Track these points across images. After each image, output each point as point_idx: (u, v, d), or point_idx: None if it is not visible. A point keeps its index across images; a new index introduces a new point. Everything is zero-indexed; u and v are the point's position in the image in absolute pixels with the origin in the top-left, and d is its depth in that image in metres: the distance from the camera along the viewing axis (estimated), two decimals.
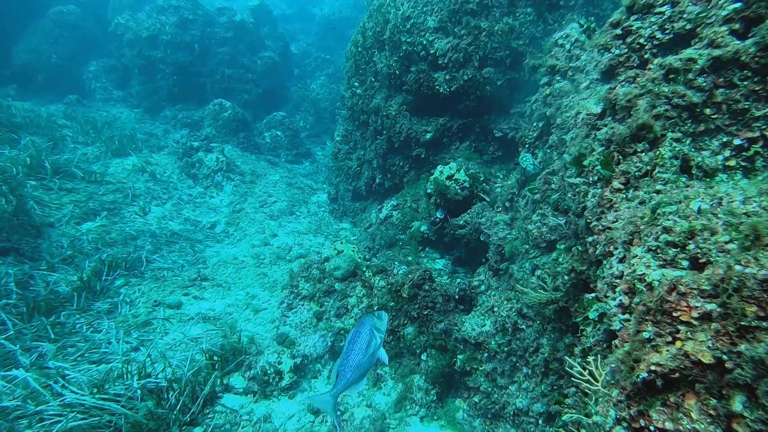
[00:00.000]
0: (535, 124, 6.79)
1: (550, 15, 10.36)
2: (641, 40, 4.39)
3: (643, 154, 3.42)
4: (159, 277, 10.16)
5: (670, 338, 2.23)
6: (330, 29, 26.44)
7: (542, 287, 4.93)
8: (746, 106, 3.44)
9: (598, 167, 3.57)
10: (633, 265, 2.86)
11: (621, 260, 3.07)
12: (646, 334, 2.28)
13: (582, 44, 6.10)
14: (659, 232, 2.66)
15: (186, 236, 12.12)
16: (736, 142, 3.50)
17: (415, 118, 11.40)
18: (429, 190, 9.29)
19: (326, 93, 22.11)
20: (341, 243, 10.32)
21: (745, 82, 3.43)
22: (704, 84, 3.45)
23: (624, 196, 3.41)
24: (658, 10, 4.34)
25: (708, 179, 3.49)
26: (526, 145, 7.09)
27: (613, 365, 2.48)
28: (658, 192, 3.22)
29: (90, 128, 15.67)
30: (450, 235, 9.26)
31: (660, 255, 2.62)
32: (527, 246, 5.98)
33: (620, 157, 3.54)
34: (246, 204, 14.11)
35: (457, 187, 9.05)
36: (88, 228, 10.99)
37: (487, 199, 8.89)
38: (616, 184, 3.46)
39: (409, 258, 10.77)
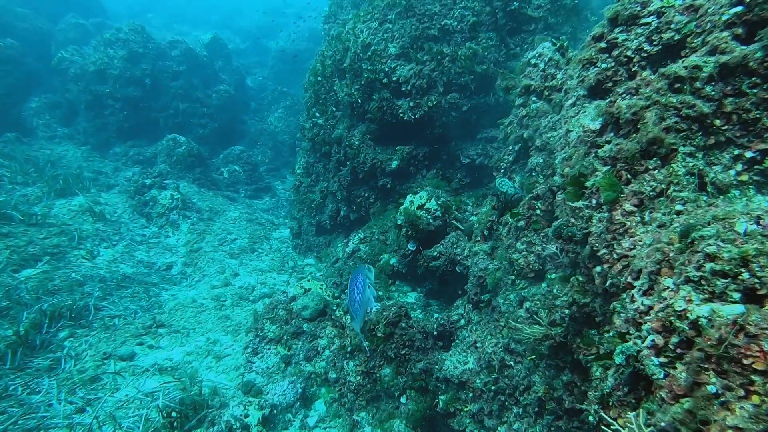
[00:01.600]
0: (511, 148, 6.47)
1: (512, 40, 10.29)
2: (628, 53, 4.11)
3: (656, 171, 3.06)
4: (109, 326, 9.27)
5: (742, 392, 1.80)
6: (286, 62, 26.17)
7: (536, 322, 4.49)
8: (757, 116, 3.14)
9: (604, 188, 3.19)
10: (665, 299, 2.44)
11: (646, 293, 2.65)
12: (711, 388, 1.85)
13: (557, 63, 5.86)
14: (701, 260, 2.26)
15: (140, 279, 11.24)
16: (748, 154, 3.19)
17: (379, 147, 11.03)
18: (399, 222, 8.83)
19: (284, 126, 21.63)
20: (308, 281, 9.73)
21: (755, 90, 3.13)
22: (713, 93, 3.14)
23: (639, 219, 3.03)
24: (643, 21, 4.08)
25: (722, 196, 3.15)
26: (502, 170, 6.75)
27: (664, 424, 2.02)
28: (678, 213, 2.85)
29: (31, 167, 14.66)
30: (423, 268, 8.79)
31: (705, 287, 2.22)
32: (512, 276, 5.56)
33: (629, 176, 3.18)
34: (204, 243, 13.33)
35: (428, 217, 8.64)
36: (28, 275, 10.01)
37: (462, 228, 8.49)
38: (627, 206, 3.08)
39: (380, 292, 10.22)
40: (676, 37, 3.91)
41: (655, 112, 3.13)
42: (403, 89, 10.15)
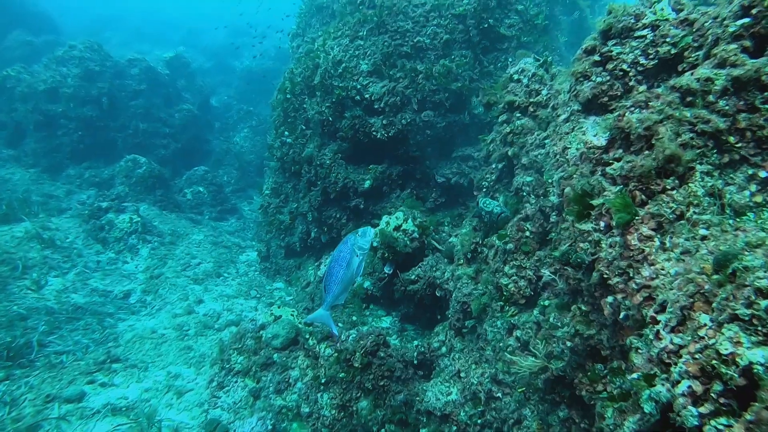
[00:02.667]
0: (494, 166, 6.21)
1: (485, 58, 10.16)
2: (624, 66, 3.90)
3: (675, 192, 2.80)
4: (55, 364, 8.51)
5: None
6: (251, 81, 25.72)
7: (531, 353, 4.16)
8: None
9: (617, 210, 2.91)
10: (703, 338, 2.14)
11: (675, 330, 2.35)
12: None
13: (541, 78, 5.65)
14: (751, 296, 1.97)
15: (93, 310, 10.49)
16: (762, 174, 2.96)
17: (351, 166, 10.68)
18: (375, 244, 8.46)
19: (250, 145, 21.12)
20: (278, 307, 9.23)
21: (767, 106, 2.92)
22: (727, 107, 2.92)
23: (659, 244, 2.75)
24: (638, 34, 3.89)
25: (739, 219, 2.91)
26: (484, 189, 6.48)
27: None
28: (704, 238, 2.58)
29: None
30: (400, 292, 8.42)
31: (758, 328, 1.92)
32: (500, 303, 5.25)
33: (644, 196, 2.91)
34: (166, 268, 12.64)
35: (406, 239, 8.31)
36: None
37: (441, 248, 8.18)
38: (645, 230, 2.80)
39: (354, 317, 9.81)
40: (673, 51, 3.72)
41: (669, 127, 2.89)
42: (375, 107, 9.88)
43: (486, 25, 9.96)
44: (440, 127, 9.78)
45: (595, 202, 3.18)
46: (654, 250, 2.72)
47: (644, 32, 3.86)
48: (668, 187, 2.84)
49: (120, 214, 13.64)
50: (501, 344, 5.42)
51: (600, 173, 3.27)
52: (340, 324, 9.66)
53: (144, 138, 18.62)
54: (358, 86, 9.89)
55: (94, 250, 12.79)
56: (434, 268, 7.80)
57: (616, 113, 3.29)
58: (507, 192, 6.00)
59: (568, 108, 4.18)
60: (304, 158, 11.18)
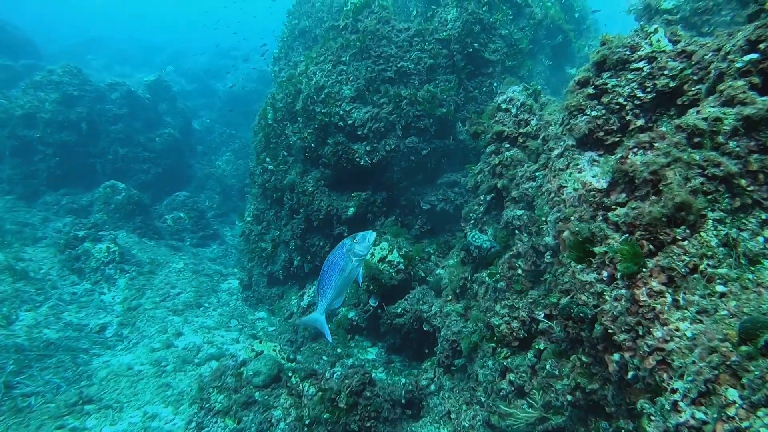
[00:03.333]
0: (482, 198, 5.97)
1: (470, 83, 10.03)
2: (620, 100, 3.69)
3: (686, 242, 2.56)
4: (22, 408, 8.01)
5: None
6: (234, 104, 25.47)
7: (530, 404, 3.86)
8: None
9: (624, 259, 2.66)
10: (733, 418, 1.87)
11: (696, 402, 2.08)
12: None
13: (530, 108, 5.45)
14: None
15: (66, 346, 9.99)
16: None
17: (334, 193, 10.40)
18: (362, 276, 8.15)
19: (233, 169, 20.77)
20: (260, 342, 8.85)
21: None
22: (738, 149, 2.70)
23: (671, 301, 2.50)
24: (634, 66, 3.69)
25: (754, 268, 2.66)
26: (471, 221, 6.23)
27: None
28: (723, 296, 2.34)
29: None
30: (386, 325, 8.09)
31: None
32: (492, 344, 4.95)
33: (652, 246, 2.67)
34: (144, 299, 12.17)
35: (391, 271, 8.01)
36: None
37: (430, 279, 7.89)
38: (654, 284, 2.55)
39: (338, 350, 9.45)
40: (672, 84, 3.53)
41: (678, 171, 2.66)
42: (359, 133, 9.66)
43: (470, 50, 9.83)
44: (425, 154, 9.57)
45: (597, 249, 2.93)
46: (666, 308, 2.47)
47: (640, 64, 3.66)
48: (679, 237, 2.60)
49: (97, 243, 13.18)
50: (493, 386, 5.12)
51: (601, 218, 3.03)
52: (324, 357, 9.30)
53: (124, 163, 18.20)
54: (341, 112, 9.66)
55: (69, 281, 12.30)
56: (421, 302, 7.50)
57: (619, 155, 3.06)
58: (496, 225, 5.76)
59: (562, 142, 3.96)
60: (286, 185, 10.88)
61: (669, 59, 3.60)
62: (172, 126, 20.62)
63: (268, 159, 11.38)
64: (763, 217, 2.76)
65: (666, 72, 3.57)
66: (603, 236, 2.95)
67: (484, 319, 5.21)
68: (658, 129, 2.98)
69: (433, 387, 6.89)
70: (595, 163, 3.60)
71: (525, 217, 4.99)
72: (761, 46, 2.87)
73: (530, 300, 4.42)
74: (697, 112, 2.88)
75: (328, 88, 9.82)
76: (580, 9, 14.54)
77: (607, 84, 3.75)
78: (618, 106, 3.69)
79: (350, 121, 9.62)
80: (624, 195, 2.94)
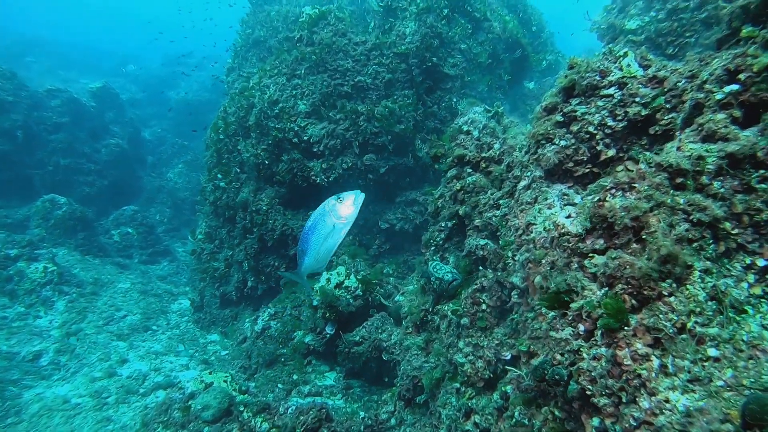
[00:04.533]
0: (443, 224, 5.68)
1: (429, 98, 9.80)
2: (590, 129, 3.46)
3: (673, 298, 2.31)
4: None
5: None
6: (187, 113, 24.60)
7: None
8: None
9: (607, 314, 2.39)
10: None
11: None
12: None
13: (492, 131, 5.21)
14: None
15: None
16: (761, 263, 2.53)
17: (290, 212, 9.98)
18: (315, 303, 7.75)
19: (185, 182, 19.97)
20: (210, 372, 8.32)
21: (764, 185, 2.51)
22: (723, 190, 2.47)
23: (659, 367, 2.23)
24: (604, 92, 3.46)
25: (740, 317, 2.44)
26: (432, 247, 5.93)
27: None
28: (716, 361, 2.09)
29: None
30: (344, 354, 7.70)
31: None
32: (456, 384, 4.65)
33: (635, 301, 2.41)
34: (85, 323, 11.38)
35: (348, 297, 7.64)
36: None
37: (389, 305, 7.55)
38: (639, 346, 2.29)
39: (294, 377, 9.01)
40: (644, 112, 3.32)
41: (662, 218, 2.42)
42: (315, 150, 9.28)
43: (429, 64, 9.61)
44: (383, 172, 9.26)
45: (574, 305, 2.66)
46: (654, 375, 2.21)
47: (611, 91, 3.45)
48: (665, 292, 2.36)
49: (33, 263, 12.31)
50: (457, 426, 4.80)
51: (577, 265, 2.77)
52: (279, 385, 8.85)
53: (66, 175, 17.17)
54: (296, 128, 9.26)
55: None
56: (380, 330, 7.15)
57: (596, 197, 2.81)
58: (458, 253, 5.48)
59: (529, 172, 3.70)
60: (238, 203, 10.37)
61: (640, 85, 3.39)
62: (119, 136, 19.67)
63: (219, 176, 10.84)
64: (748, 261, 2.56)
65: (637, 99, 3.36)
66: (581, 287, 2.69)
67: (446, 355, 4.91)
68: (638, 168, 2.74)
69: (393, 421, 6.53)
70: (565, 197, 3.35)
71: (489, 246, 4.73)
72: (741, 76, 2.67)
73: (496, 341, 4.14)
74: (678, 148, 2.66)
75: (283, 102, 9.41)
76: (537, 23, 14.61)
77: (576, 111, 3.52)
78: (588, 135, 3.47)
79: (306, 138, 9.23)
80: (602, 241, 2.69)
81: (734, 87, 2.66)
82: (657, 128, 3.27)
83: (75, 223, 14.74)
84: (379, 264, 9.81)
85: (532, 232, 3.26)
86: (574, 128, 3.49)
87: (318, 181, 9.33)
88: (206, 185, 11.55)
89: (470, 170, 5.29)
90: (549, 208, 3.27)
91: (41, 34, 35.51)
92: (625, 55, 3.52)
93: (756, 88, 2.60)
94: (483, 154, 5.18)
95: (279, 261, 10.39)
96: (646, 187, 2.56)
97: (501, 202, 4.59)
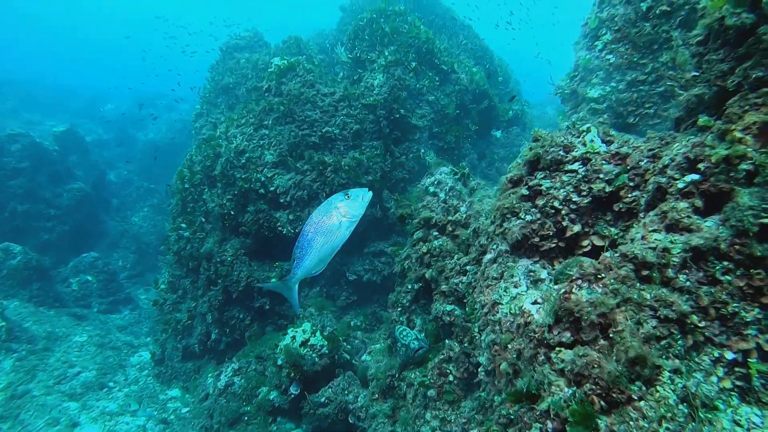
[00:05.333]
0: (410, 286, 5.54)
1: (397, 148, 9.81)
2: (555, 204, 3.42)
3: (643, 403, 2.19)
4: None
5: None
6: (155, 155, 24.24)
7: None
8: (735, 309, 2.45)
9: (575, 421, 2.26)
10: None
11: None
12: None
13: (459, 194, 5.16)
14: None
15: None
16: (729, 356, 2.47)
17: (256, 263, 9.73)
18: (279, 362, 7.46)
19: (150, 226, 19.53)
20: None
21: (728, 277, 2.46)
22: (689, 283, 2.42)
23: None
24: (569, 168, 3.44)
25: (712, 414, 2.35)
26: (399, 308, 5.78)
27: None
28: None
29: None
30: (310, 415, 7.37)
31: None
32: None
33: (603, 403, 2.29)
34: (34, 383, 10.73)
35: (314, 355, 7.37)
36: None
37: (356, 363, 7.30)
38: None
39: None
40: (608, 189, 3.29)
41: (629, 315, 2.33)
42: (281, 201, 9.11)
43: (397, 116, 9.65)
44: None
45: (542, 405, 2.53)
46: None
47: (575, 166, 3.42)
48: (634, 396, 2.25)
49: None
50: None
51: (543, 357, 2.66)
52: None
53: (24, 221, 16.57)
54: (263, 178, 9.12)
55: None
56: (346, 391, 6.89)
57: (562, 289, 2.72)
58: (425, 315, 5.34)
59: (496, 245, 3.62)
60: (203, 254, 10.07)
61: (603, 162, 3.38)
62: (83, 180, 19.19)
63: (183, 225, 10.55)
64: (716, 354, 2.48)
65: (601, 176, 3.34)
66: (548, 383, 2.57)
67: (414, 426, 4.70)
68: (604, 258, 2.67)
69: None
70: (532, 275, 3.26)
71: (456, 312, 4.60)
72: (700, 166, 2.66)
73: (464, 418, 3.97)
74: (643, 237, 2.60)
75: (249, 152, 9.28)
76: (503, 74, 14.98)
77: (541, 185, 3.48)
78: (553, 210, 3.42)
79: (272, 188, 9.08)
80: (569, 335, 2.59)
81: (695, 177, 2.65)
82: (621, 205, 3.24)
83: (30, 273, 14.12)
84: (346, 317, 9.58)
85: (498, 312, 3.15)
86: (540, 202, 3.44)
87: (285, 232, 9.15)
88: (170, 234, 11.23)
89: (436, 233, 5.21)
90: (515, 287, 3.17)
91: (5, 74, 34.87)
92: (588, 130, 3.51)
93: (715, 178, 2.59)
94: (449, 218, 5.11)
95: (244, 313, 10.07)
96: (612, 281, 2.48)
97: (468, 268, 4.50)
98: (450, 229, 5.07)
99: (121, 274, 17.52)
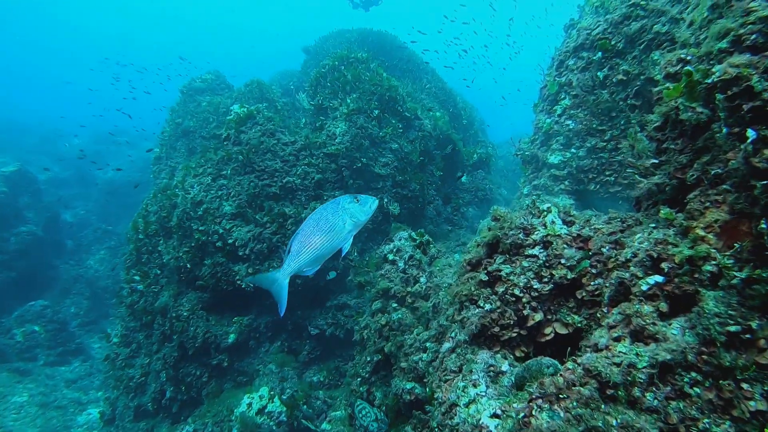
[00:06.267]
0: (369, 358, 5.28)
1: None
2: (516, 291, 3.25)
3: None
4: None
5: None
6: (114, 195, 23.54)
7: None
8: (705, 426, 2.29)
9: None
10: None
11: None
12: None
13: (418, 263, 4.97)
14: None
15: None
16: None
17: (213, 316, 9.31)
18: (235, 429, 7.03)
19: (107, 269, 18.75)
20: None
21: (697, 389, 2.31)
22: (656, 402, 2.25)
23: None
24: (529, 252, 3.29)
25: None
26: (359, 378, 5.49)
27: None
28: None
29: None
30: None
31: None
32: None
33: None
34: None
35: (271, 424, 6.99)
36: None
37: (315, 430, 6.93)
38: None
39: None
40: (570, 276, 3.14)
41: None
42: (240, 253, 8.78)
43: (359, 165, 9.51)
44: (312, 276, 8.85)
45: None
46: None
47: (535, 251, 3.28)
48: None
49: None
50: None
51: None
52: None
53: None
54: (221, 230, 8.79)
55: None
56: None
57: (521, 413, 2.53)
58: (386, 388, 5.08)
59: (454, 333, 3.42)
60: (157, 309, 9.60)
61: (565, 245, 3.24)
62: (34, 222, 18.36)
63: (137, 278, 10.08)
64: None
65: (563, 261, 3.20)
66: None
67: None
68: (566, 373, 2.49)
69: None
70: (491, 370, 3.06)
71: (416, 390, 4.36)
72: (664, 266, 2.53)
73: None
74: (607, 347, 2.44)
75: (207, 203, 8.96)
76: (467, 117, 15.10)
77: (501, 271, 3.31)
78: (514, 298, 3.25)
79: (231, 241, 8.75)
80: None
81: (658, 278, 2.52)
82: (584, 294, 3.09)
83: None
84: (308, 372, 9.22)
85: (455, 416, 2.93)
86: (499, 289, 3.28)
87: (243, 286, 8.79)
88: (123, 285, 10.71)
89: (396, 305, 4.99)
90: (474, 386, 2.97)
91: None
92: (549, 210, 3.39)
93: (679, 280, 2.47)
94: (409, 289, 4.91)
95: (201, 370, 9.57)
96: (575, 404, 2.30)
97: (428, 345, 4.29)
98: (409, 301, 4.87)
99: (74, 322, 16.69)
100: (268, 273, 4.06)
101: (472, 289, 3.32)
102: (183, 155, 13.33)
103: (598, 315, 3.00)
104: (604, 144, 5.72)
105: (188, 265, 9.01)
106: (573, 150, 5.96)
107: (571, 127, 5.93)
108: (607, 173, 5.71)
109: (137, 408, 10.78)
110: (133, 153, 26.46)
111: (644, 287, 2.51)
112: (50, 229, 19.29)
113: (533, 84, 10.01)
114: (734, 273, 2.28)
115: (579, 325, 3.14)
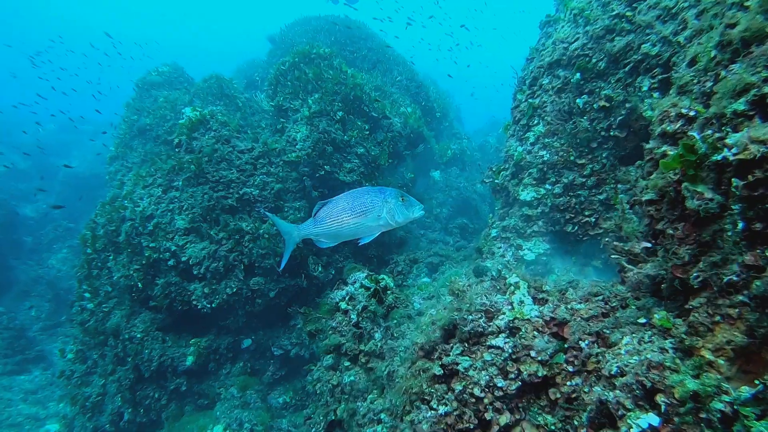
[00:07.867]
0: (320, 418, 4.75)
1: None
2: (476, 391, 2.73)
3: None
4: None
5: None
6: (78, 189, 22.50)
7: None
8: None
9: None
10: None
11: None
12: None
13: (373, 316, 4.43)
14: None
15: None
16: None
17: (170, 337, 8.75)
18: None
19: (70, 269, 17.90)
20: None
21: None
22: None
23: None
24: (492, 342, 2.77)
25: None
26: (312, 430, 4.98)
27: None
28: None
29: None
30: None
31: None
32: None
33: None
34: None
35: None
36: None
37: None
38: None
39: None
40: (542, 373, 2.63)
41: None
42: (195, 272, 8.16)
43: (323, 172, 8.90)
44: (273, 295, 8.29)
45: None
46: None
47: (499, 341, 2.76)
48: None
49: None
50: None
51: None
52: None
53: None
54: (173, 247, 8.14)
55: None
56: None
57: None
58: None
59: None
60: (109, 329, 8.97)
61: (535, 333, 2.74)
62: None
63: (87, 294, 9.40)
64: None
65: (533, 354, 2.69)
66: None
67: None
68: None
69: None
70: None
71: None
72: (659, 400, 2.02)
73: None
74: None
75: (158, 217, 8.29)
76: (440, 109, 14.42)
77: (458, 364, 2.79)
78: (474, 399, 2.73)
79: (184, 258, 8.12)
80: None
81: (653, 420, 2.01)
82: (558, 395, 2.59)
83: None
84: (273, 393, 8.74)
85: None
86: (456, 387, 2.76)
87: (200, 307, 8.20)
88: (74, 302, 10.03)
89: (348, 363, 4.47)
90: None
91: None
92: (517, 286, 2.87)
93: (680, 420, 1.95)
94: (362, 347, 4.39)
95: (159, 392, 9.03)
96: None
97: (382, 417, 3.79)
98: (363, 360, 4.36)
99: (34, 326, 15.92)
100: (288, 223, 3.86)
101: (424, 386, 2.80)
102: (140, 155, 12.52)
103: (576, 423, 2.51)
104: (584, 180, 5.15)
105: (140, 285, 8.38)
106: (548, 186, 5.38)
107: (545, 158, 5.32)
108: (587, 213, 5.15)
109: (96, 429, 10.21)
110: (98, 143, 25.29)
111: (635, 430, 2.01)
112: (7, 228, 18.36)
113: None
114: (754, 424, 1.77)
115: (553, 428, 2.65)
